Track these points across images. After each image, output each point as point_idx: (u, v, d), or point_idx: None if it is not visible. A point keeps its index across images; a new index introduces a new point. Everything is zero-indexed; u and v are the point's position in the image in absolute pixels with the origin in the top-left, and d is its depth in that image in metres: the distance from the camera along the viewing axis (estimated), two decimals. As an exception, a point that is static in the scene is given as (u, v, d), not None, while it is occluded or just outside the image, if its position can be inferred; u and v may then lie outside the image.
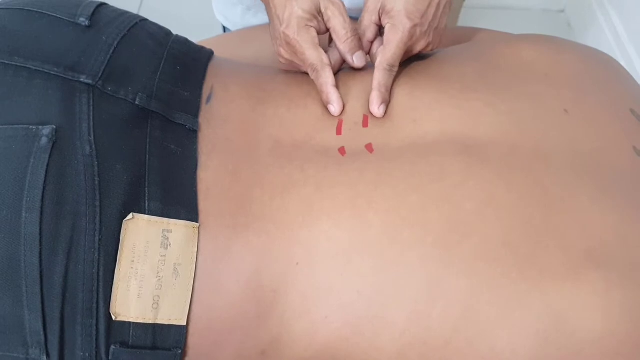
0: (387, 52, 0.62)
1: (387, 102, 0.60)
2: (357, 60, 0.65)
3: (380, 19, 0.65)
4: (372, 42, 0.67)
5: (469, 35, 0.78)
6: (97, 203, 0.49)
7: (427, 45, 0.65)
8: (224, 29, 1.02)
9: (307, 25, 0.63)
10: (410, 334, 0.50)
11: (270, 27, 0.69)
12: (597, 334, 0.47)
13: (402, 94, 0.61)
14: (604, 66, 0.67)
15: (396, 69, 0.63)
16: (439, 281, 0.50)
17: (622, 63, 1.80)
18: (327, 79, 0.61)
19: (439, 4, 0.64)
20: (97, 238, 0.48)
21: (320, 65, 0.62)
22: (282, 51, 0.66)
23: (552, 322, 0.48)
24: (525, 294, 0.49)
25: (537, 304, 0.48)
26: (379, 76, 0.61)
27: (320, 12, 0.65)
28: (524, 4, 2.16)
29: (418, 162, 0.55)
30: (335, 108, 0.60)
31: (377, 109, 0.59)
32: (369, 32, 0.66)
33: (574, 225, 0.51)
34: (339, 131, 0.59)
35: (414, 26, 0.62)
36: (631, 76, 0.68)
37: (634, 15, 1.88)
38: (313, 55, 0.62)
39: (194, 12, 1.91)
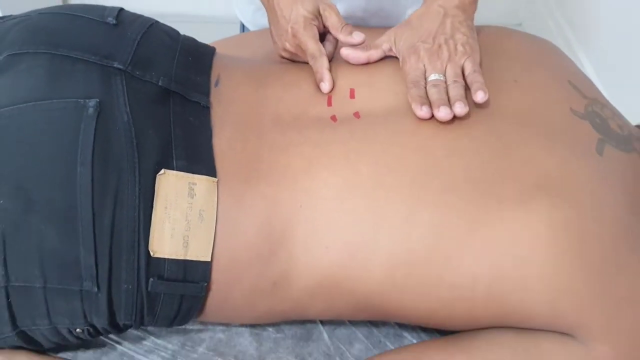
0: (409, 79, 0.70)
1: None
2: (356, 36, 0.75)
3: (391, 49, 0.75)
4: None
5: None
6: (136, 160, 0.60)
7: (451, 55, 0.71)
8: (242, 24, 1.15)
9: (311, 23, 0.75)
10: (395, 257, 0.61)
11: (272, 28, 0.80)
12: (543, 244, 0.59)
13: (386, 72, 0.73)
14: (546, 46, 0.81)
15: (423, 82, 0.70)
16: (415, 212, 0.61)
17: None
18: (323, 63, 0.72)
19: (442, 23, 0.73)
20: (137, 188, 0.59)
21: (318, 54, 0.73)
22: (287, 45, 0.77)
23: (508, 240, 0.60)
24: (486, 217, 0.60)
25: (497, 225, 0.60)
26: (412, 92, 0.68)
27: (319, 14, 0.77)
28: (482, 18, 2.31)
29: (399, 122, 0.67)
30: (326, 85, 0.71)
31: (440, 113, 0.65)
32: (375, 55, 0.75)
33: (524, 164, 0.63)
34: (329, 103, 0.70)
35: (416, 50, 0.71)
36: (567, 56, 0.81)
37: (584, 27, 2.05)
38: (314, 47, 0.74)
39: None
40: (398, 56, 0.74)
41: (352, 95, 0.71)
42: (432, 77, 0.69)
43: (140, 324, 0.63)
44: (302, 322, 0.74)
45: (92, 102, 0.60)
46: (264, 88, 0.72)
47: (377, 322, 0.75)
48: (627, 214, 0.63)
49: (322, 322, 0.74)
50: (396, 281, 0.62)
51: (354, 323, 0.74)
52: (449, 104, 0.66)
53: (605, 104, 0.75)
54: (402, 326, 0.74)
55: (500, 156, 0.64)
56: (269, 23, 0.81)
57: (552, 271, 0.59)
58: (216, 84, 0.71)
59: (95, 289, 0.58)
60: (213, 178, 0.63)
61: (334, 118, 0.69)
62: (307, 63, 0.75)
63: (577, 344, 0.61)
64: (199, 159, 0.63)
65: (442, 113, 0.65)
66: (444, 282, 0.61)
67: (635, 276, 0.60)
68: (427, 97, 0.68)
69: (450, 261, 0.61)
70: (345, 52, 0.74)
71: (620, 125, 0.73)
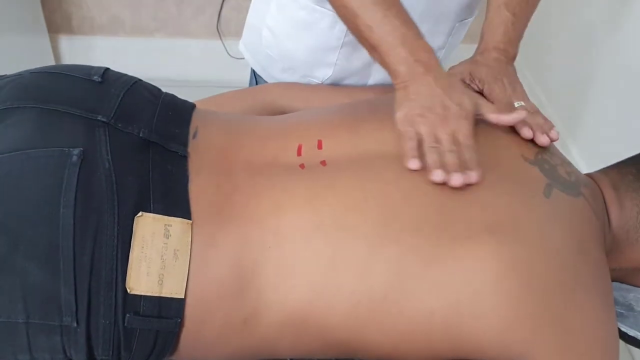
0: (504, 102, 0.83)
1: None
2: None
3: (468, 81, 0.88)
4: None
5: (386, 89, 1.00)
6: (115, 203, 0.65)
7: (523, 93, 0.87)
8: (256, 81, 1.23)
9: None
10: (357, 292, 0.66)
11: (405, 111, 0.77)
12: (493, 277, 0.64)
13: (348, 126, 0.79)
14: None
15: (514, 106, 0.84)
16: (375, 250, 0.66)
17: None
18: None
19: (506, 68, 0.89)
20: (115, 229, 0.64)
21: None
22: (426, 129, 0.76)
23: (462, 276, 0.65)
24: (441, 254, 0.65)
25: (451, 261, 0.65)
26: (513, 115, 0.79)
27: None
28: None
29: (361, 170, 0.73)
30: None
31: (542, 139, 0.79)
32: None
33: (475, 207, 0.69)
34: (299, 153, 0.76)
35: (503, 83, 0.85)
36: None
37: (554, 87, 2.15)
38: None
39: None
40: (480, 85, 0.86)
41: (319, 146, 0.77)
42: (518, 104, 0.84)
43: (117, 360, 0.67)
44: (274, 360, 0.78)
45: (76, 151, 0.65)
46: (238, 138, 0.78)
47: (346, 360, 0.78)
48: (572, 252, 0.69)
49: (293, 361, 0.78)
50: (359, 315, 0.66)
51: (323, 361, 0.78)
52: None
53: (554, 153, 0.81)
54: (369, 364, 0.78)
55: (454, 199, 0.69)
56: (400, 107, 0.78)
57: (501, 303, 0.64)
58: (194, 136, 0.77)
59: (75, 324, 0.62)
60: (188, 220, 0.67)
61: (302, 166, 0.74)
62: (277, 117, 0.81)
63: None
64: (175, 203, 0.68)
65: (544, 139, 0.80)
66: (404, 315, 0.66)
67: (578, 309, 0.65)
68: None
69: (409, 295, 0.65)
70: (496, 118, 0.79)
71: (569, 172, 0.79)
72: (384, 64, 0.81)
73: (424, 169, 0.71)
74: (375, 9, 0.79)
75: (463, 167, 0.71)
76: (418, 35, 0.80)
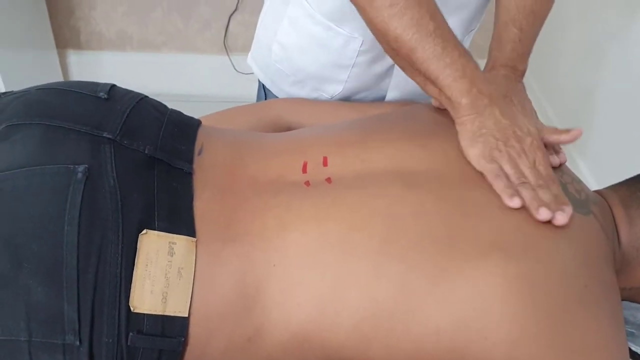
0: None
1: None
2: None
3: None
4: None
5: (393, 105, 1.00)
6: (120, 221, 0.64)
7: (533, 112, 0.87)
8: (265, 94, 1.22)
9: None
10: (363, 310, 0.65)
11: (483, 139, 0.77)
12: (499, 295, 0.63)
13: (354, 141, 0.79)
14: None
15: None
16: (381, 266, 0.66)
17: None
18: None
19: (516, 86, 0.89)
20: (120, 246, 0.63)
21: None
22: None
23: (468, 292, 0.64)
24: (446, 270, 0.65)
25: (457, 278, 0.64)
26: None
27: None
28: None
29: (367, 187, 0.72)
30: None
31: (552, 159, 0.79)
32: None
33: (482, 224, 0.68)
34: (304, 170, 0.75)
35: (512, 100, 0.84)
36: None
37: (561, 99, 2.14)
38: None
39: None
40: None
41: (325, 163, 0.76)
42: None
43: (120, 379, 0.66)
44: (278, 379, 0.76)
45: (81, 168, 0.65)
46: (243, 155, 0.78)
47: (351, 379, 0.77)
48: (581, 270, 0.68)
49: (298, 380, 0.77)
50: (364, 334, 0.66)
51: (328, 381, 0.77)
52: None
53: (565, 171, 0.81)
54: (375, 383, 0.77)
55: (461, 216, 0.68)
56: (472, 143, 0.76)
57: (507, 320, 0.63)
58: (199, 153, 0.77)
59: (77, 343, 0.61)
60: (192, 238, 0.67)
61: (307, 183, 0.74)
62: (283, 133, 0.81)
63: None
64: (180, 220, 0.68)
65: (554, 160, 0.79)
66: (410, 333, 0.65)
67: (585, 327, 0.64)
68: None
69: (415, 313, 0.64)
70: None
71: (578, 190, 0.78)
72: (443, 98, 0.79)
73: (433, 184, 0.71)
74: (434, 42, 0.78)
75: (559, 203, 0.71)
76: (478, 66, 0.79)
